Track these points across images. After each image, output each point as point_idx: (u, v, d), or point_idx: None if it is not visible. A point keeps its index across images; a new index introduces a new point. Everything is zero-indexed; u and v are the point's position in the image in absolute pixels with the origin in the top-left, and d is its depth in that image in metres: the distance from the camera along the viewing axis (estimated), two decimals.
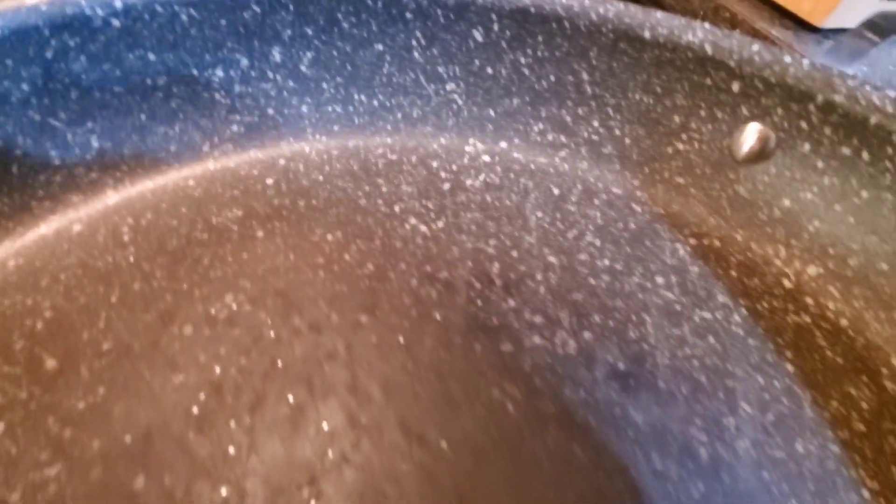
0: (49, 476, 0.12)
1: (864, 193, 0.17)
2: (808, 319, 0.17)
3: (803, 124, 0.18)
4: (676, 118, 0.20)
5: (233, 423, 0.12)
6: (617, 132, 0.21)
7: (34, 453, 0.12)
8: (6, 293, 0.15)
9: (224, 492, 0.11)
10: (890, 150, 0.16)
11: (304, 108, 0.21)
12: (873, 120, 0.16)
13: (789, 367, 0.16)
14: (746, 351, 0.16)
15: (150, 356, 0.14)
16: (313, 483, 0.12)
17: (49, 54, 0.16)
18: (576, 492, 0.12)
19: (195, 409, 0.13)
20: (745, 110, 0.19)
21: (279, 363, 0.14)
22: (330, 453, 0.12)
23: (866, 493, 0.13)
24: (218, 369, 0.13)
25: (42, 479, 0.11)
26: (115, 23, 0.17)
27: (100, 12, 0.16)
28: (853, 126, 0.16)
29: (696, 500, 0.12)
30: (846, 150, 0.17)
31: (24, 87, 0.16)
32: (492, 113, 0.22)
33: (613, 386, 0.14)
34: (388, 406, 0.13)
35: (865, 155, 0.17)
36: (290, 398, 0.13)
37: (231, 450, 0.12)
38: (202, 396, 0.13)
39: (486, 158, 0.21)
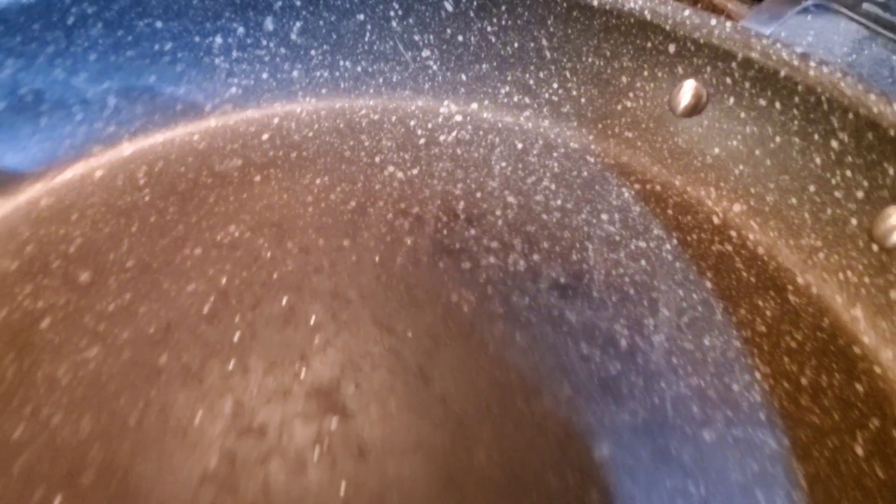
0: (88, 357, 0.14)
1: (778, 139, 0.20)
2: (729, 248, 0.20)
3: (728, 80, 0.20)
4: (624, 78, 0.22)
5: (237, 318, 0.15)
6: (574, 93, 0.24)
7: (75, 341, 0.15)
8: (41, 225, 0.18)
9: (231, 366, 0.14)
10: (797, 99, 0.19)
11: (295, 73, 0.23)
12: (782, 73, 0.19)
13: (708, 284, 0.18)
14: (672, 272, 0.19)
15: (167, 271, 0.16)
16: (303, 359, 0.14)
17: (70, 21, 0.19)
18: (515, 369, 0.15)
19: (205, 309, 0.15)
20: (680, 69, 0.21)
21: (274, 275, 0.16)
22: (316, 339, 0.15)
23: (758, 375, 0.16)
24: (224, 280, 0.16)
25: (83, 359, 0.14)
26: None
27: None
28: (767, 79, 0.19)
29: (613, 376, 0.15)
30: (762, 102, 0.20)
31: (49, 49, 0.19)
32: (463, 77, 0.24)
33: (554, 294, 0.17)
34: (363, 306, 0.16)
35: (777, 105, 0.19)
36: (284, 301, 0.16)
37: (236, 337, 0.15)
38: (211, 299, 0.16)
39: (458, 118, 0.24)
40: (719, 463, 0.14)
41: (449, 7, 0.23)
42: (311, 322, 0.15)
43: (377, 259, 0.17)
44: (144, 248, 0.17)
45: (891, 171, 0.17)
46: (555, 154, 0.23)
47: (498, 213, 0.20)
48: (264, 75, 0.23)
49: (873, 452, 0.15)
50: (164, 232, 0.18)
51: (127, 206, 0.18)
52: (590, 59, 0.23)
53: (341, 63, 0.24)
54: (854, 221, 0.18)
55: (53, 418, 0.13)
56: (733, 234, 0.20)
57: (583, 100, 0.24)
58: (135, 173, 0.20)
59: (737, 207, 0.21)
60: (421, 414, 0.14)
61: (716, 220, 0.21)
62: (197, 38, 0.21)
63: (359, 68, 0.24)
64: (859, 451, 0.15)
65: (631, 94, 0.23)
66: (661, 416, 0.14)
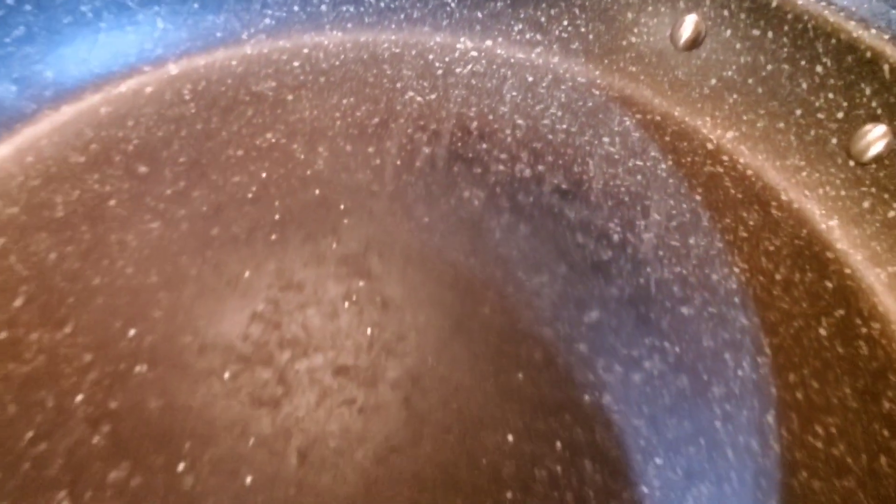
0: (152, 227, 0.17)
1: (769, 67, 0.21)
2: (720, 170, 0.22)
3: (725, 12, 0.22)
4: (629, 14, 0.24)
5: (276, 203, 0.17)
6: (582, 29, 0.25)
7: (139, 216, 0.17)
8: (102, 128, 0.20)
9: (273, 237, 0.16)
10: (786, 28, 0.20)
11: (323, 7, 0.25)
12: (774, 3, 0.20)
13: (697, 198, 0.20)
14: (665, 186, 0.20)
15: (214, 166, 0.19)
16: (335, 234, 0.17)
17: None
18: (518, 249, 0.17)
19: (249, 195, 0.18)
20: (682, 4, 0.23)
21: (308, 172, 0.19)
22: (345, 220, 0.17)
23: (736, 270, 0.18)
24: (264, 174, 0.18)
25: (147, 229, 0.17)
26: None
27: None
28: (760, 10, 0.21)
29: (605, 261, 0.17)
30: (756, 32, 0.21)
31: None
32: (479, 15, 0.26)
33: (555, 196, 0.19)
34: (386, 198, 0.18)
35: (769, 34, 0.21)
36: (316, 191, 0.18)
37: (276, 216, 0.17)
38: (253, 188, 0.18)
39: (474, 53, 0.26)
40: (694, 331, 0.16)
41: None
42: (341, 208, 0.17)
43: (398, 163, 0.19)
44: (193, 149, 0.19)
45: (867, 91, 0.19)
46: (562, 87, 0.25)
47: (507, 131, 0.22)
48: (295, 8, 0.25)
49: (835, 334, 0.17)
50: (210, 137, 0.20)
51: (175, 116, 0.21)
52: None
53: (368, 0, 0.26)
54: (834, 140, 0.20)
55: (126, 269, 0.15)
56: (725, 158, 0.22)
57: (591, 36, 0.25)
58: (181, 90, 0.22)
59: (730, 134, 0.23)
60: (435, 278, 0.16)
61: (709, 146, 0.23)
62: None
63: (382, 4, 0.26)
64: (822, 332, 0.17)
65: (636, 30, 0.24)
66: (644, 292, 0.17)
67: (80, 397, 0.13)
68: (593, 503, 0.12)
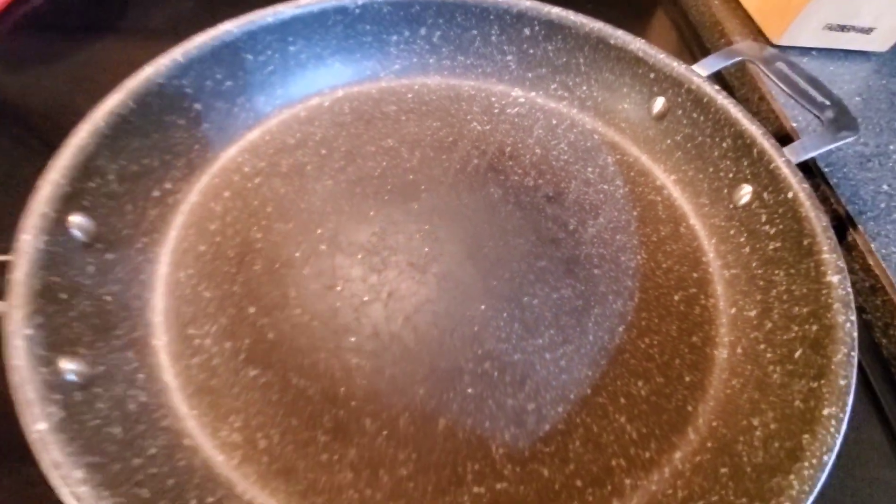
0: (326, 183, 0.32)
1: (699, 138, 0.33)
2: (658, 198, 0.34)
3: (679, 100, 0.34)
4: (623, 90, 0.37)
5: (389, 180, 0.33)
6: (594, 94, 0.38)
7: (320, 175, 0.33)
8: (301, 126, 0.36)
9: (386, 197, 0.32)
10: (710, 116, 0.32)
11: (431, 61, 0.40)
12: (705, 99, 0.32)
13: (635, 213, 0.33)
14: (617, 203, 0.33)
15: (358, 154, 0.34)
16: (418, 199, 0.32)
17: (340, 27, 0.37)
18: (512, 224, 0.31)
19: (376, 173, 0.33)
20: (655, 89, 0.35)
21: (407, 165, 0.34)
22: (423, 195, 0.32)
23: (638, 257, 0.31)
24: (384, 163, 0.34)
25: (323, 183, 0.32)
26: (356, 10, 0.37)
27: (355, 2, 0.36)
28: (697, 102, 0.33)
29: (559, 238, 0.31)
30: (694, 115, 0.33)
31: (337, 30, 0.37)
32: (529, 75, 0.40)
33: (543, 199, 0.33)
34: (448, 184, 0.33)
35: (701, 118, 0.33)
36: (411, 177, 0.33)
37: (388, 187, 0.32)
38: (377, 171, 0.33)
39: (521, 100, 0.39)
40: (596, 282, 0.29)
41: (527, 31, 0.38)
42: (422, 187, 0.32)
43: (458, 166, 0.34)
44: (348, 143, 0.35)
45: (745, 163, 0.31)
46: (573, 130, 0.38)
47: (527, 156, 0.35)
48: (414, 59, 0.40)
49: (682, 300, 0.29)
50: (357, 137, 0.35)
51: (339, 122, 0.36)
52: (605, 75, 0.37)
53: (458, 58, 0.40)
54: (725, 191, 0.32)
55: (311, 199, 0.31)
56: (664, 191, 0.35)
57: (599, 99, 0.38)
58: (343, 107, 0.37)
59: (672, 177, 0.35)
60: (465, 229, 0.30)
61: (657, 183, 0.35)
62: (384, 36, 0.38)
63: (468, 61, 0.40)
64: (676, 297, 0.29)
65: (627, 101, 0.37)
66: (575, 258, 0.30)
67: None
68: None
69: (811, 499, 0.18)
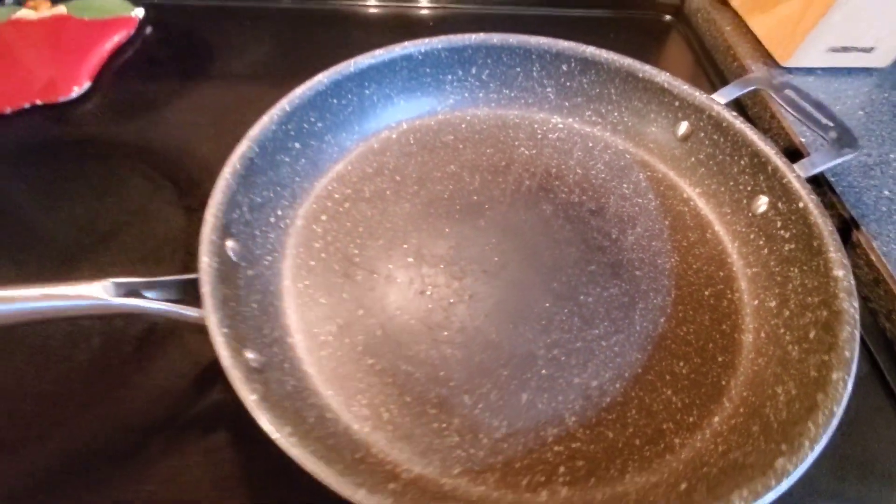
0: (404, 205, 0.38)
1: (719, 157, 0.39)
2: (685, 209, 0.40)
3: (701, 124, 0.40)
4: (652, 115, 0.42)
5: (457, 200, 0.39)
6: (625, 119, 0.44)
7: (397, 198, 0.39)
8: (377, 156, 0.42)
9: (457, 216, 0.38)
10: (729, 137, 0.38)
11: (480, 94, 0.46)
12: (724, 124, 0.38)
13: (667, 223, 0.39)
14: (650, 214, 0.39)
15: (427, 179, 0.40)
16: (483, 216, 0.38)
17: (405, 74, 0.43)
18: (563, 234, 0.37)
19: (445, 195, 0.39)
20: (680, 114, 0.41)
21: (470, 188, 0.40)
22: (487, 212, 0.38)
23: (672, 260, 0.37)
24: (451, 186, 0.40)
25: (401, 205, 0.38)
26: (419, 56, 0.43)
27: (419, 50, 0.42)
28: (717, 126, 0.38)
29: (604, 246, 0.37)
30: (715, 137, 0.39)
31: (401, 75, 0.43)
32: (566, 104, 0.46)
33: (587, 212, 0.38)
34: (506, 202, 0.39)
35: (721, 139, 0.38)
36: (475, 197, 0.39)
37: (458, 206, 0.38)
38: (446, 194, 0.39)
39: (561, 126, 0.45)
40: (638, 281, 0.35)
41: (564, 68, 0.44)
42: (486, 206, 0.38)
43: (513, 187, 0.40)
44: (417, 170, 0.41)
45: (761, 178, 0.36)
46: (608, 151, 0.44)
47: (570, 176, 0.41)
48: (466, 94, 0.46)
49: (712, 295, 0.35)
50: (424, 164, 0.41)
51: (407, 152, 0.42)
52: (635, 103, 0.43)
53: (504, 91, 0.46)
54: (745, 201, 0.37)
55: (392, 219, 0.37)
56: (690, 202, 0.40)
57: (629, 124, 0.44)
58: (410, 138, 0.44)
59: (697, 190, 0.41)
60: (522, 240, 0.36)
61: (684, 195, 0.41)
62: (440, 76, 0.45)
63: (512, 94, 0.46)
64: (706, 293, 0.35)
65: (655, 125, 0.43)
66: (619, 262, 0.36)
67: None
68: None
69: (825, 438, 0.23)
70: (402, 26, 0.58)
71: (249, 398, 0.22)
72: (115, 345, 0.30)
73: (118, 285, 0.24)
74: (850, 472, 0.29)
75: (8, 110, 0.42)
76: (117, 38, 0.50)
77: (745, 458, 0.25)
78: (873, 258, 0.36)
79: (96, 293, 0.23)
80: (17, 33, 0.49)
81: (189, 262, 0.34)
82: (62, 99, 0.44)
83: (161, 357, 0.30)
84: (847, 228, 0.38)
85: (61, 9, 0.52)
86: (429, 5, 0.60)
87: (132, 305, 0.24)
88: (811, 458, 0.23)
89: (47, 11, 0.51)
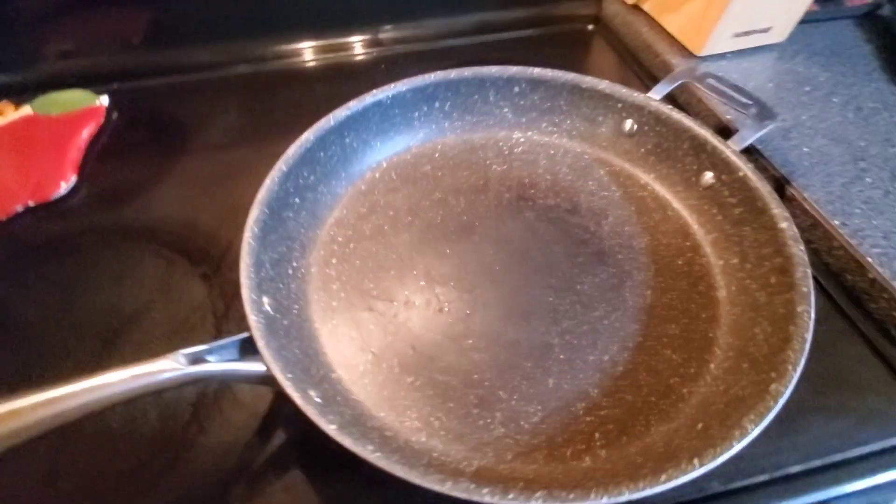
0: (411, 219, 0.42)
1: (665, 144, 0.45)
2: (644, 194, 0.46)
3: (643, 119, 0.46)
4: (600, 119, 0.48)
5: (449, 221, 0.43)
6: (577, 125, 0.49)
7: (405, 214, 0.43)
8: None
9: (452, 234, 0.42)
10: (667, 127, 0.44)
11: (446, 124, 0.51)
12: (662, 117, 0.44)
13: (632, 208, 0.44)
14: (617, 204, 0.45)
15: (420, 207, 0.44)
16: (474, 231, 0.42)
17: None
18: (547, 234, 0.42)
19: (438, 219, 0.43)
20: (624, 114, 0.47)
21: (458, 209, 0.44)
22: (477, 227, 0.42)
23: (644, 239, 0.42)
24: (442, 211, 0.44)
25: (407, 220, 0.42)
26: (388, 100, 0.47)
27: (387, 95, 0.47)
28: (657, 119, 0.44)
29: (584, 239, 0.41)
30: (658, 128, 0.45)
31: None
32: (524, 120, 0.51)
33: (565, 212, 0.43)
34: (492, 214, 0.43)
35: (662, 129, 0.45)
36: (465, 217, 0.43)
37: (451, 227, 0.42)
38: (441, 213, 0.43)
39: (522, 140, 0.50)
40: (619, 264, 0.40)
41: (516, 89, 0.50)
42: (476, 224, 0.43)
43: (495, 202, 0.44)
44: (406, 201, 0.45)
45: (703, 156, 0.42)
46: (569, 155, 0.49)
47: (542, 183, 0.46)
48: (433, 126, 0.50)
49: (684, 263, 0.40)
50: (409, 196, 0.45)
51: (393, 186, 0.46)
52: (583, 110, 0.49)
53: (466, 118, 0.51)
54: (693, 178, 0.43)
55: (399, 232, 0.41)
56: (648, 187, 0.46)
57: (582, 128, 0.50)
58: (391, 175, 0.48)
59: (651, 176, 0.46)
60: (508, 244, 0.41)
61: (641, 182, 0.46)
62: (408, 114, 0.49)
63: (474, 119, 0.51)
64: (679, 262, 0.40)
65: (604, 126, 0.48)
66: (601, 251, 0.41)
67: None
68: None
69: (803, 360, 0.28)
70: (344, 75, 0.61)
71: (330, 427, 0.25)
72: (172, 414, 0.33)
73: (186, 355, 0.27)
74: (828, 386, 0.34)
75: (3, 217, 0.44)
76: (90, 129, 0.52)
77: (744, 391, 0.30)
78: (807, 206, 0.42)
79: (173, 366, 0.26)
80: None
81: (220, 325, 0.37)
82: (54, 196, 0.45)
83: (218, 416, 0.32)
84: (781, 186, 0.44)
85: (27, 109, 0.53)
86: (363, 51, 0.64)
87: (205, 371, 0.27)
88: (796, 378, 0.28)
89: (14, 115, 0.52)
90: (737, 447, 0.25)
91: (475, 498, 0.24)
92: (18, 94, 0.54)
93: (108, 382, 0.24)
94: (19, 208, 0.44)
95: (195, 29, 0.60)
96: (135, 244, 0.42)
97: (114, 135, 0.53)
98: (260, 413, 0.32)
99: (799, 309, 0.31)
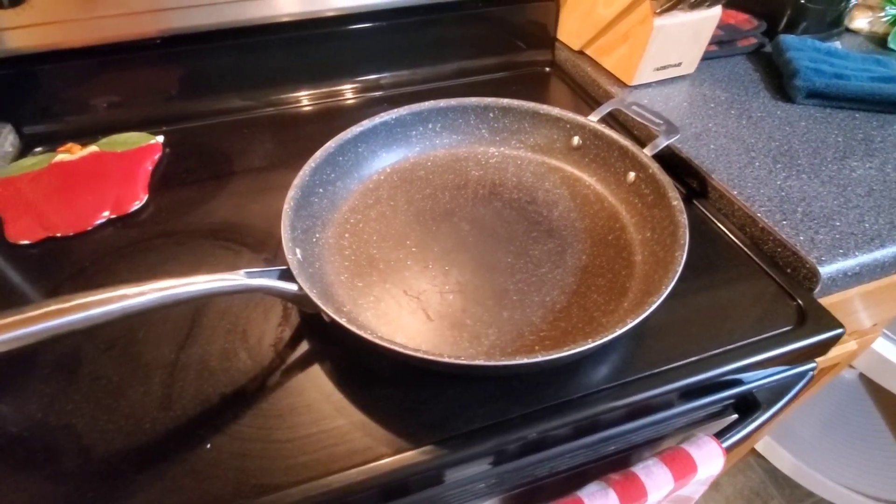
0: (403, 208, 0.55)
1: (602, 154, 0.59)
2: (588, 192, 0.59)
3: (588, 136, 0.60)
4: (553, 136, 0.62)
5: (437, 214, 0.56)
6: (539, 140, 0.64)
7: (406, 204, 0.56)
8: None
9: (441, 220, 0.55)
10: (605, 141, 0.58)
11: (437, 140, 0.65)
12: (596, 133, 0.58)
13: (577, 202, 0.57)
14: (564, 197, 0.58)
15: (417, 200, 0.57)
16: (457, 217, 0.55)
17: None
18: (511, 219, 0.55)
19: (430, 210, 0.56)
20: (572, 132, 0.61)
21: (446, 205, 0.57)
22: (455, 217, 0.55)
23: (578, 213, 0.55)
24: (431, 203, 0.57)
25: (406, 207, 0.55)
26: (393, 121, 0.61)
27: (392, 118, 0.61)
28: (597, 137, 0.58)
29: (538, 221, 0.55)
30: (597, 143, 0.59)
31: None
32: (497, 138, 0.65)
33: (526, 203, 0.57)
34: (469, 207, 0.56)
35: (599, 143, 0.58)
36: (446, 197, 0.56)
37: (440, 217, 0.56)
38: (435, 208, 0.57)
39: (496, 154, 0.64)
40: (562, 238, 0.53)
41: (491, 115, 0.64)
42: (457, 215, 0.56)
43: (473, 197, 0.58)
44: (404, 195, 0.58)
45: (628, 160, 0.56)
46: (531, 164, 0.63)
47: (509, 183, 0.60)
48: (426, 142, 0.64)
49: (598, 230, 0.53)
50: (407, 192, 0.59)
51: (395, 185, 0.60)
52: (542, 130, 0.63)
53: (452, 136, 0.65)
54: (622, 177, 0.57)
55: (400, 218, 0.54)
56: (591, 187, 0.59)
57: (542, 144, 0.64)
58: (393, 178, 0.61)
59: (593, 178, 0.60)
60: (480, 227, 0.54)
61: (585, 182, 0.60)
62: (408, 132, 0.63)
63: (458, 137, 0.65)
64: (586, 223, 0.53)
65: (558, 142, 0.62)
66: (549, 228, 0.54)
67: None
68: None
69: (679, 267, 0.41)
70: (354, 110, 0.76)
71: (342, 320, 0.38)
72: (258, 353, 0.45)
73: (247, 273, 0.39)
74: (702, 268, 0.46)
75: (89, 227, 0.56)
76: (151, 160, 0.64)
77: (636, 310, 0.42)
78: (715, 185, 0.56)
79: (237, 277, 0.38)
80: (66, 172, 0.59)
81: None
82: (131, 209, 0.58)
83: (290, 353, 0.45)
84: (699, 174, 0.58)
85: (93, 148, 0.64)
86: (367, 93, 0.79)
87: (256, 284, 0.39)
88: (666, 293, 0.40)
89: (81, 152, 0.63)
90: (618, 333, 0.37)
91: (443, 360, 0.36)
92: (80, 137, 0.66)
93: (199, 280, 0.36)
94: (101, 220, 0.56)
95: (229, 80, 0.74)
96: (205, 241, 0.55)
97: (170, 165, 0.66)
98: (292, 327, 0.44)
99: (677, 254, 0.43)
